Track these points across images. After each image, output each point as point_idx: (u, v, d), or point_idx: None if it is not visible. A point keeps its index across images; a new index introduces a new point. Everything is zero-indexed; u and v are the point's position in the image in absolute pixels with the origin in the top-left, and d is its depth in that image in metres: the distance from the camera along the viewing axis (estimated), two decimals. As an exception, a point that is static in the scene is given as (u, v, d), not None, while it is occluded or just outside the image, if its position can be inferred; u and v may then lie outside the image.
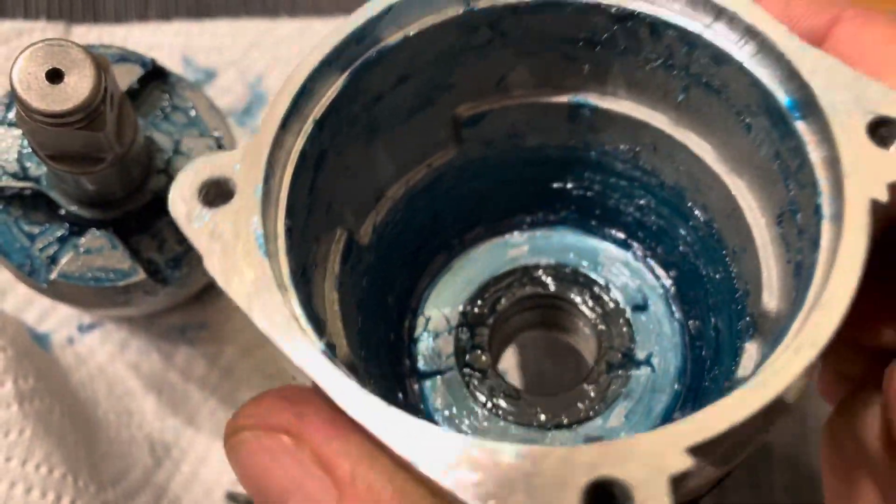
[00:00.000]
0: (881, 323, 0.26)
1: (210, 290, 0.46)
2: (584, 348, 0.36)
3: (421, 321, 0.34)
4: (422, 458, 0.20)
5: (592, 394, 0.32)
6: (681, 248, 0.32)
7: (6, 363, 0.39)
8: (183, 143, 0.37)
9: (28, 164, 0.35)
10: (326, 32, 0.26)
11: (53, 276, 0.35)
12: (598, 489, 0.19)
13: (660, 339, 0.32)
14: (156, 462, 0.45)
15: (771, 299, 0.27)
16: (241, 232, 0.24)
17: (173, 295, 0.39)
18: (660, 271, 0.34)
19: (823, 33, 0.27)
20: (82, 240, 0.36)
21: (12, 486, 0.38)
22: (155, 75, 0.38)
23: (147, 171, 0.36)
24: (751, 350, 0.28)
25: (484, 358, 0.33)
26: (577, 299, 0.34)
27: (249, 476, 0.22)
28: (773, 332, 0.27)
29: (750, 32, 0.25)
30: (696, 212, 0.31)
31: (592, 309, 0.33)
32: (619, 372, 0.32)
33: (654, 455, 0.19)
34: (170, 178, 0.36)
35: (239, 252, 0.23)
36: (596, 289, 0.33)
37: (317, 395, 0.21)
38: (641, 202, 0.33)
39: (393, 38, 0.27)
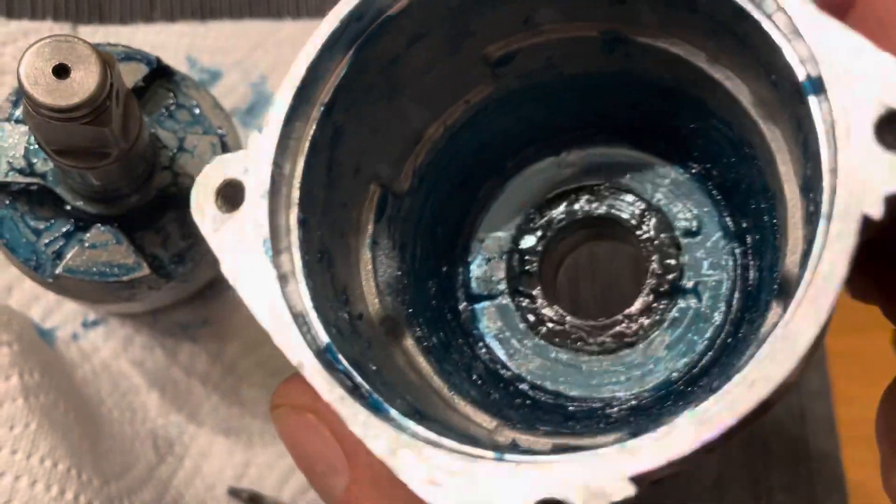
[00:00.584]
0: None
1: (213, 287, 0.47)
2: (631, 274, 0.36)
3: (474, 245, 0.34)
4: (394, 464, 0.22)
5: (636, 321, 0.31)
6: (735, 175, 0.30)
7: (12, 358, 0.40)
8: (187, 140, 0.37)
9: (34, 160, 0.36)
10: (325, 19, 0.26)
11: (59, 270, 0.36)
12: None
13: (710, 268, 0.31)
14: (159, 457, 0.46)
15: (793, 266, 0.26)
16: (250, 237, 0.25)
17: (177, 290, 0.40)
18: (717, 196, 0.32)
19: None
20: (87, 235, 0.36)
21: (17, 479, 0.39)
22: (160, 73, 0.38)
23: (152, 167, 0.36)
24: (776, 309, 0.27)
25: (534, 283, 0.33)
26: (629, 222, 0.32)
27: (288, 444, 0.27)
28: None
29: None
30: (745, 147, 0.29)
31: (643, 232, 0.32)
32: (665, 300, 0.31)
33: (597, 481, 0.20)
34: (174, 174, 0.37)
35: (248, 258, 0.25)
36: (648, 211, 0.32)
37: None
38: (693, 125, 0.31)
39: (396, 7, 0.27)
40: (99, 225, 0.36)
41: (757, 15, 0.24)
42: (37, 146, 0.36)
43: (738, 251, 0.31)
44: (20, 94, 0.37)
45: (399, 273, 0.31)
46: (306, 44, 0.26)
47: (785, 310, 0.21)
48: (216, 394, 0.47)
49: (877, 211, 0.20)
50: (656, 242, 0.32)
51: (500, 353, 0.33)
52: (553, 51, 0.30)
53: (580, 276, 0.47)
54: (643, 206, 0.32)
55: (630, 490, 0.20)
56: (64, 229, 0.37)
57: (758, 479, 0.47)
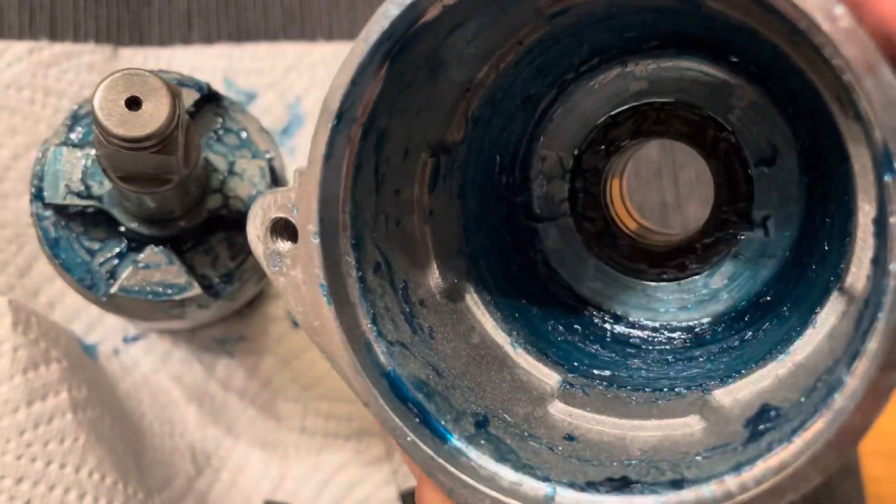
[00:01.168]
0: None
1: (250, 304, 0.48)
2: (700, 200, 0.33)
3: (535, 165, 0.32)
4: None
5: (700, 251, 0.30)
6: (816, 103, 0.26)
7: (62, 373, 0.41)
8: (237, 164, 0.39)
9: (91, 183, 0.37)
10: (353, 45, 0.25)
11: (114, 290, 0.37)
12: None
13: (781, 200, 0.29)
14: (197, 470, 0.47)
15: (857, 280, 0.23)
16: (309, 280, 0.26)
17: (223, 308, 0.41)
18: (797, 125, 0.28)
19: None
20: (141, 255, 0.37)
21: (66, 492, 0.40)
22: (209, 99, 0.39)
23: (204, 190, 0.38)
24: (839, 299, 0.24)
25: (596, 204, 0.31)
26: (699, 146, 0.30)
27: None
28: (850, 315, 0.23)
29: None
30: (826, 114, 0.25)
31: (714, 158, 0.30)
32: (732, 231, 0.30)
33: None
34: (225, 197, 0.38)
35: (310, 300, 0.26)
36: (721, 134, 0.29)
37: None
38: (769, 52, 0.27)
39: (430, 14, 0.25)
40: (152, 246, 0.38)
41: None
42: (94, 170, 0.37)
43: (814, 188, 0.28)
44: (75, 119, 0.38)
45: (457, 227, 0.30)
46: (338, 72, 0.25)
47: (848, 305, 0.21)
48: (252, 408, 0.48)
49: None
50: (727, 170, 0.30)
51: (564, 274, 0.32)
52: (608, 3, 0.28)
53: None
54: (715, 128, 0.30)
55: None
56: (117, 250, 0.38)
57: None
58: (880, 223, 0.21)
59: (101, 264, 0.38)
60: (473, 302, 0.31)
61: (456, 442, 0.25)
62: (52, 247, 0.37)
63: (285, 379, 0.49)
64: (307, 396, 0.49)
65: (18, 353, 0.39)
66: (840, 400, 0.20)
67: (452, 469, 0.25)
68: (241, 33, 0.51)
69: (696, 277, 0.31)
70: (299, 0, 0.52)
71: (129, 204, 0.36)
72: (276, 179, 0.39)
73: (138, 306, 0.38)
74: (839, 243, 0.26)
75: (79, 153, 0.37)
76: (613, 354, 0.31)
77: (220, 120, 0.40)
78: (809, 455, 0.21)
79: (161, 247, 0.38)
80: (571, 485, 0.24)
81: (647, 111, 0.31)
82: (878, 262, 0.21)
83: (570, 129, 0.32)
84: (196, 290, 0.38)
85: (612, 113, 0.32)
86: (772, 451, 0.22)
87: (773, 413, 0.24)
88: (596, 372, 0.30)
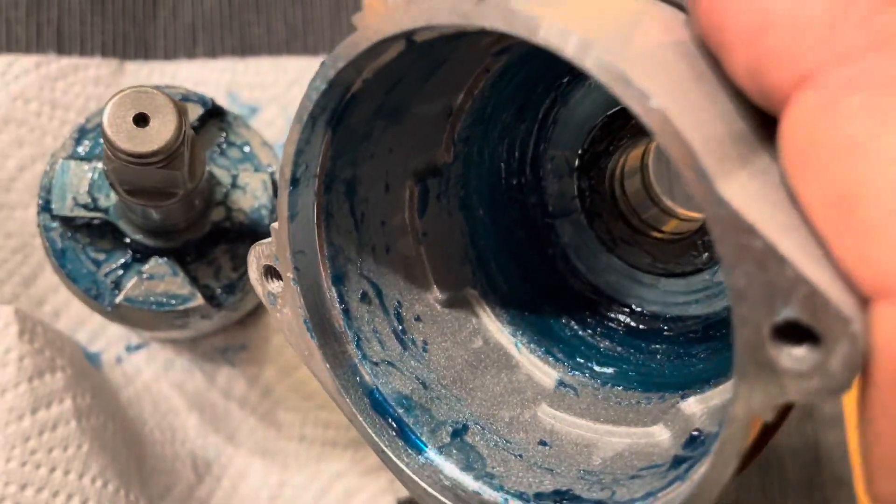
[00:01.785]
0: None
1: (251, 314, 0.49)
2: None
3: (545, 161, 0.33)
4: None
5: (705, 248, 0.31)
6: None
7: (66, 381, 0.41)
8: (240, 177, 0.39)
9: (98, 196, 0.38)
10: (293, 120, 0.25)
11: (119, 300, 0.38)
12: None
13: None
14: (198, 478, 0.48)
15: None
16: (296, 316, 0.28)
17: (225, 318, 0.42)
18: None
19: (785, 96, 0.18)
20: (145, 266, 0.38)
21: (70, 498, 0.41)
22: (213, 113, 0.40)
23: (208, 203, 0.38)
24: None
25: (605, 201, 0.32)
26: None
27: None
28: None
29: None
30: None
31: None
32: None
33: None
34: (228, 209, 0.39)
35: (299, 332, 0.28)
36: None
37: None
38: None
39: (356, 86, 0.25)
40: (156, 257, 0.38)
41: None
42: (101, 182, 0.38)
43: None
44: (82, 133, 0.39)
45: (460, 237, 0.31)
46: (286, 141, 0.26)
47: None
48: (253, 416, 0.49)
49: (767, 416, 0.18)
50: None
51: (582, 268, 0.33)
52: None
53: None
54: None
55: None
56: (122, 260, 0.39)
57: (774, 502, 0.49)
58: None
59: (107, 275, 0.39)
60: (479, 306, 0.32)
61: (429, 452, 0.26)
62: (59, 257, 0.38)
63: (286, 388, 0.50)
64: (307, 406, 0.49)
65: (24, 361, 0.40)
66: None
67: (418, 479, 0.26)
68: (244, 48, 0.52)
69: (701, 274, 0.32)
70: (302, 15, 0.53)
71: (134, 216, 0.37)
72: (277, 193, 0.40)
73: (142, 316, 0.39)
74: None
75: (86, 166, 0.38)
76: (621, 349, 0.32)
77: (224, 134, 0.41)
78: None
79: (165, 258, 0.38)
80: (520, 496, 0.25)
81: None
82: None
83: (572, 129, 0.33)
84: (199, 300, 0.38)
85: (610, 113, 0.32)
86: (670, 487, 0.21)
87: (700, 438, 0.23)
88: (598, 369, 0.30)
